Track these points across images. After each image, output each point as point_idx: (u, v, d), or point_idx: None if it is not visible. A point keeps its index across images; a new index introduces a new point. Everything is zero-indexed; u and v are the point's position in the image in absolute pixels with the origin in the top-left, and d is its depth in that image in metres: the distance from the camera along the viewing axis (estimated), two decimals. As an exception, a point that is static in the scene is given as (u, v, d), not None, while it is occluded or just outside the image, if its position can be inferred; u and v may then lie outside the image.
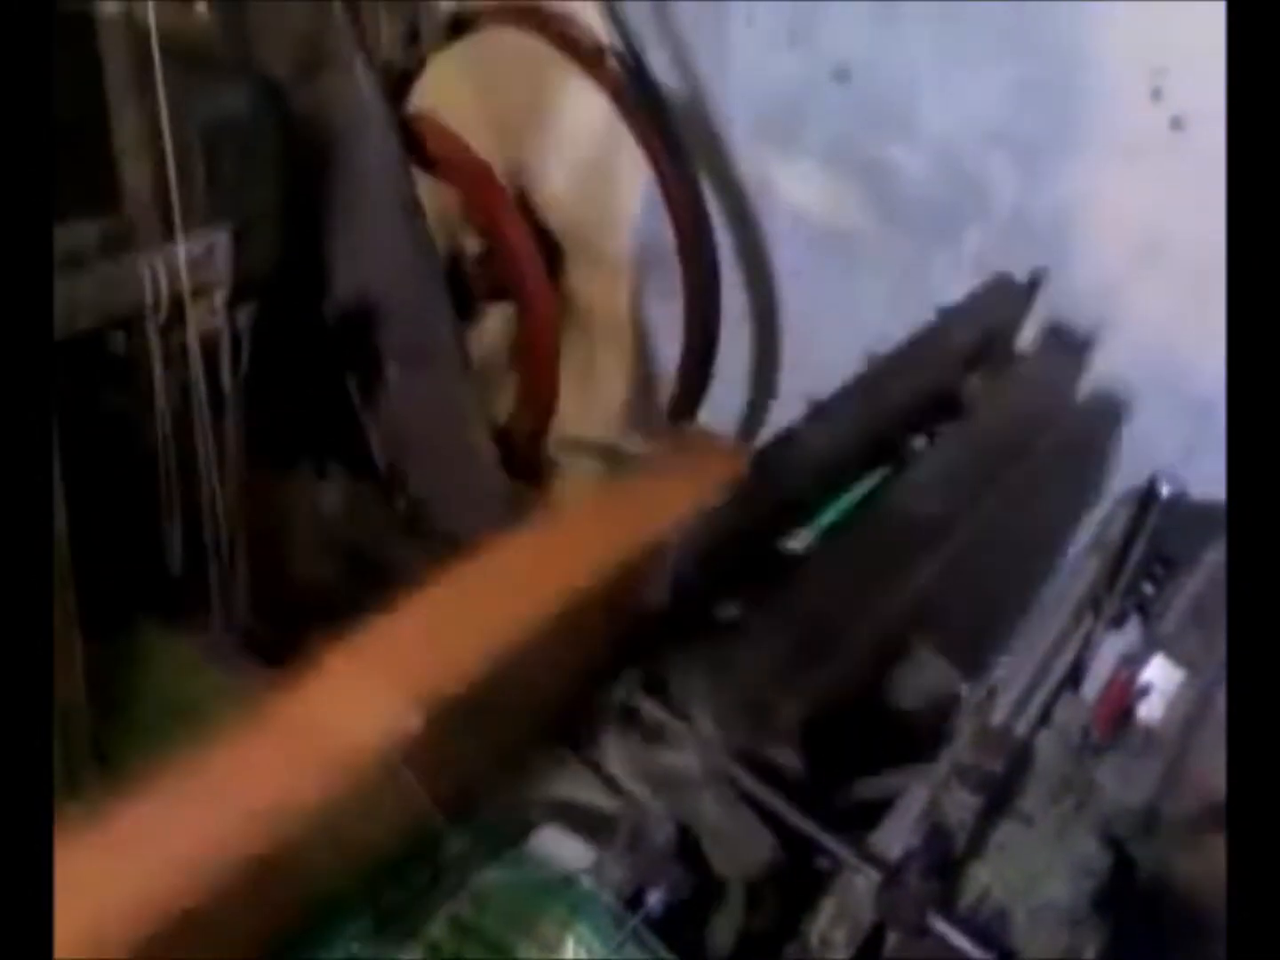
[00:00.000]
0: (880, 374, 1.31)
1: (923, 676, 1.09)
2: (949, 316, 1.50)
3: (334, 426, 1.39)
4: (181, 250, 1.01)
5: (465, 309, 1.48)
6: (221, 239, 1.08)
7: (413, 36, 1.37)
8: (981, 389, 1.44)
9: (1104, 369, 1.78)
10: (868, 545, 1.14)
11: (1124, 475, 1.60)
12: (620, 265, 2.00)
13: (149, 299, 0.97)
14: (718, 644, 0.98)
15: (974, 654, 1.12)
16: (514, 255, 1.41)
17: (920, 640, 1.09)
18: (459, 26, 1.55)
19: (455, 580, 0.80)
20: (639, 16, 2.05)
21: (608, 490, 0.86)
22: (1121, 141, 1.78)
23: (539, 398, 1.54)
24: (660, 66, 2.06)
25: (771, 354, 2.14)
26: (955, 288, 1.93)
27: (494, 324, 1.66)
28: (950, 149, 1.90)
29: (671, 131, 1.59)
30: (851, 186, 1.98)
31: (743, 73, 2.00)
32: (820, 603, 1.05)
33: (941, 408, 1.40)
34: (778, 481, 1.07)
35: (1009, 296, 1.62)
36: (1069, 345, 1.72)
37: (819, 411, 1.20)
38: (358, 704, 0.73)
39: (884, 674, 1.08)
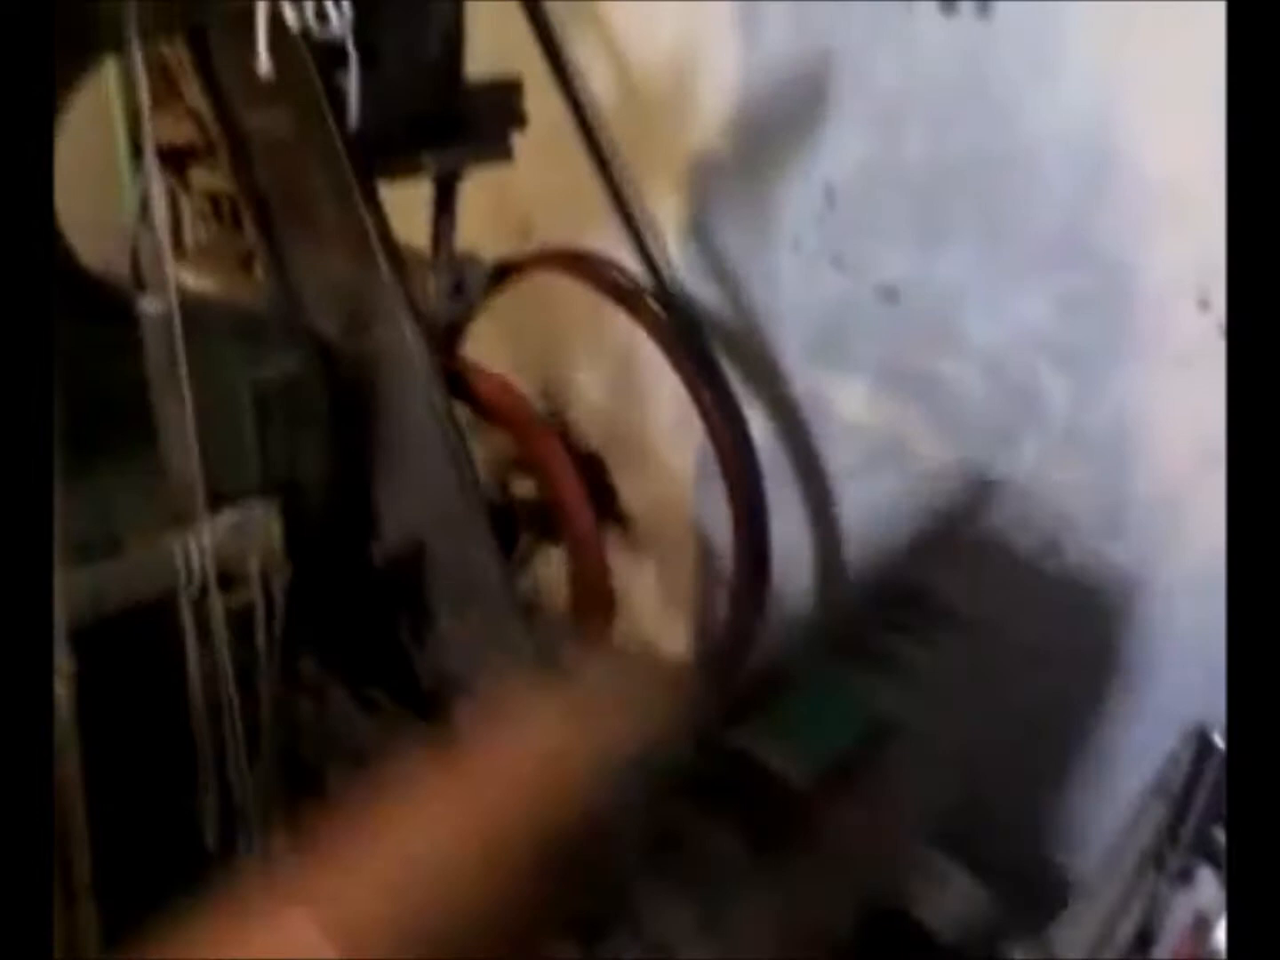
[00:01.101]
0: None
1: (949, 896, 1.05)
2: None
3: (379, 659, 1.40)
4: (221, 524, 1.05)
5: (515, 548, 1.51)
6: (262, 509, 1.12)
7: (458, 289, 1.43)
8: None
9: (1167, 581, 1.74)
10: (879, 773, 1.11)
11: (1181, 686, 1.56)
12: (670, 476, 2.03)
13: (183, 579, 1.01)
14: (720, 892, 0.94)
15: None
16: (563, 504, 1.45)
17: (947, 860, 1.04)
18: (502, 275, 1.63)
19: (385, 809, 0.79)
20: (690, 247, 2.14)
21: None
22: (1173, 350, 1.78)
23: (591, 633, 1.56)
24: (711, 293, 2.14)
25: (831, 559, 2.14)
26: (1011, 499, 1.93)
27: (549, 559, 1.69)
28: (1001, 361, 1.92)
29: (714, 367, 1.63)
30: (904, 401, 2.00)
31: (791, 295, 2.06)
32: (834, 849, 1.02)
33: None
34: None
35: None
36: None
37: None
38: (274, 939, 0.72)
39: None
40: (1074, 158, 1.79)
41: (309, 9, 0.78)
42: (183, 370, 0.92)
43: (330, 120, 1.26)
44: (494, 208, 1.72)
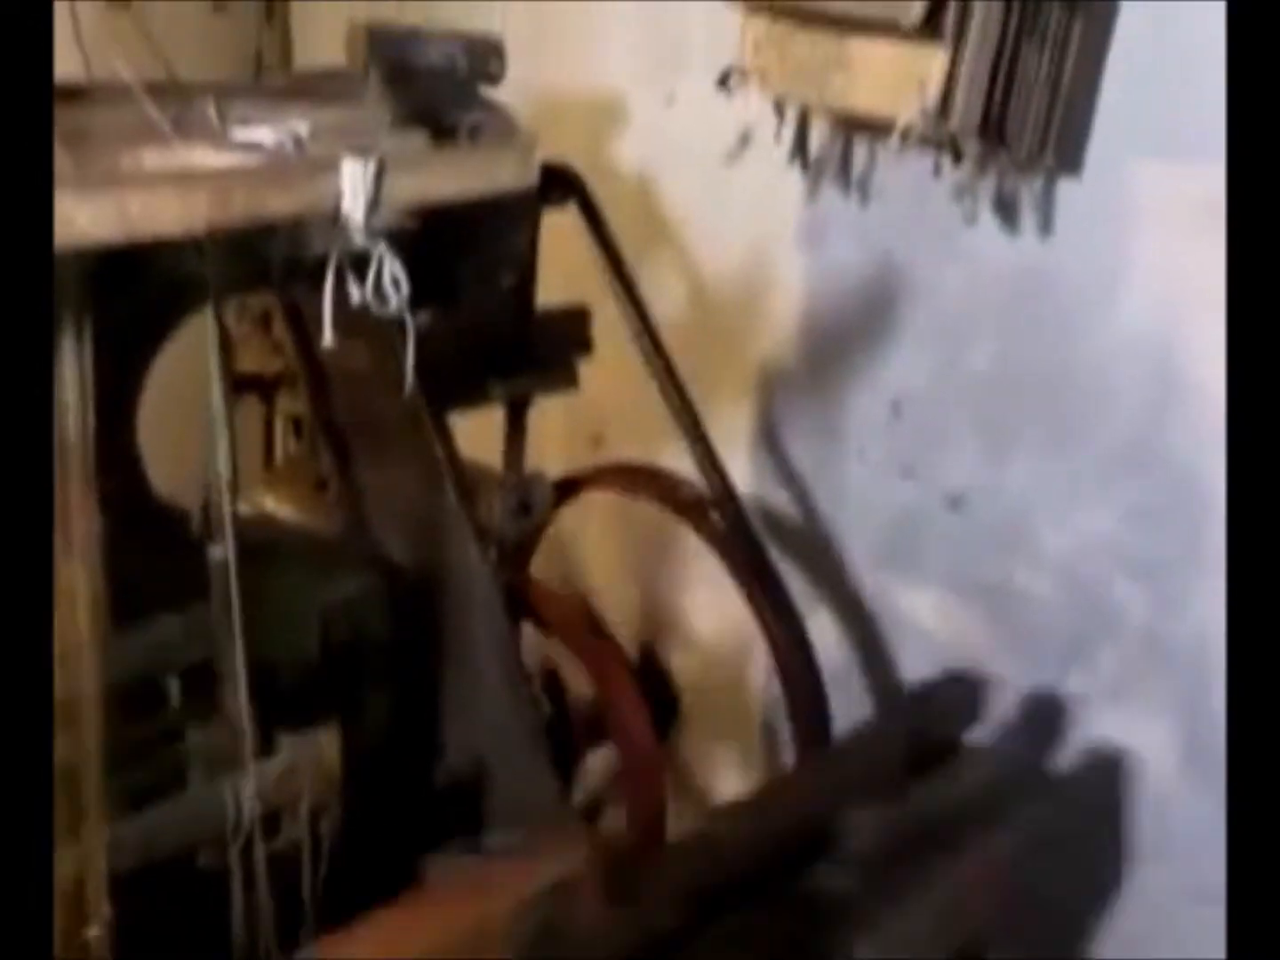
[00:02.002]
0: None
1: None
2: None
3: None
4: (274, 766, 1.07)
5: (571, 755, 1.50)
6: (321, 740, 1.13)
7: (524, 508, 1.47)
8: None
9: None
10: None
11: None
12: (743, 729, 2.02)
13: (231, 825, 1.02)
14: None
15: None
16: (623, 730, 1.45)
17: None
18: (567, 490, 1.67)
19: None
20: (759, 456, 2.17)
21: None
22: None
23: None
24: (781, 501, 2.16)
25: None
26: (1091, 714, 1.88)
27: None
28: (1074, 572, 1.89)
29: (777, 582, 1.64)
30: (975, 611, 1.98)
31: (858, 504, 2.07)
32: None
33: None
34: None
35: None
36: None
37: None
38: None
39: None
40: (1139, 371, 1.80)
41: (367, 290, 0.83)
42: (236, 619, 0.95)
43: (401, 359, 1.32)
44: (566, 417, 1.78)
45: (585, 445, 2.29)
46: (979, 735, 1.81)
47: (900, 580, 2.05)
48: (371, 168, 0.78)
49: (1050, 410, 1.88)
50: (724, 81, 1.68)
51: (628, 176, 2.18)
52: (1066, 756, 1.86)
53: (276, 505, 1.42)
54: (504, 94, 1.51)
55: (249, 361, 1.47)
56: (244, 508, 1.42)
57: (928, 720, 1.64)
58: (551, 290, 1.64)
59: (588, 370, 1.71)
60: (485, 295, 1.48)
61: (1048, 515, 1.90)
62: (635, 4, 2.08)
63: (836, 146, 1.88)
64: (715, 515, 1.62)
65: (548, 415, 1.76)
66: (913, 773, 1.46)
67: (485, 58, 1.53)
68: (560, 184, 1.64)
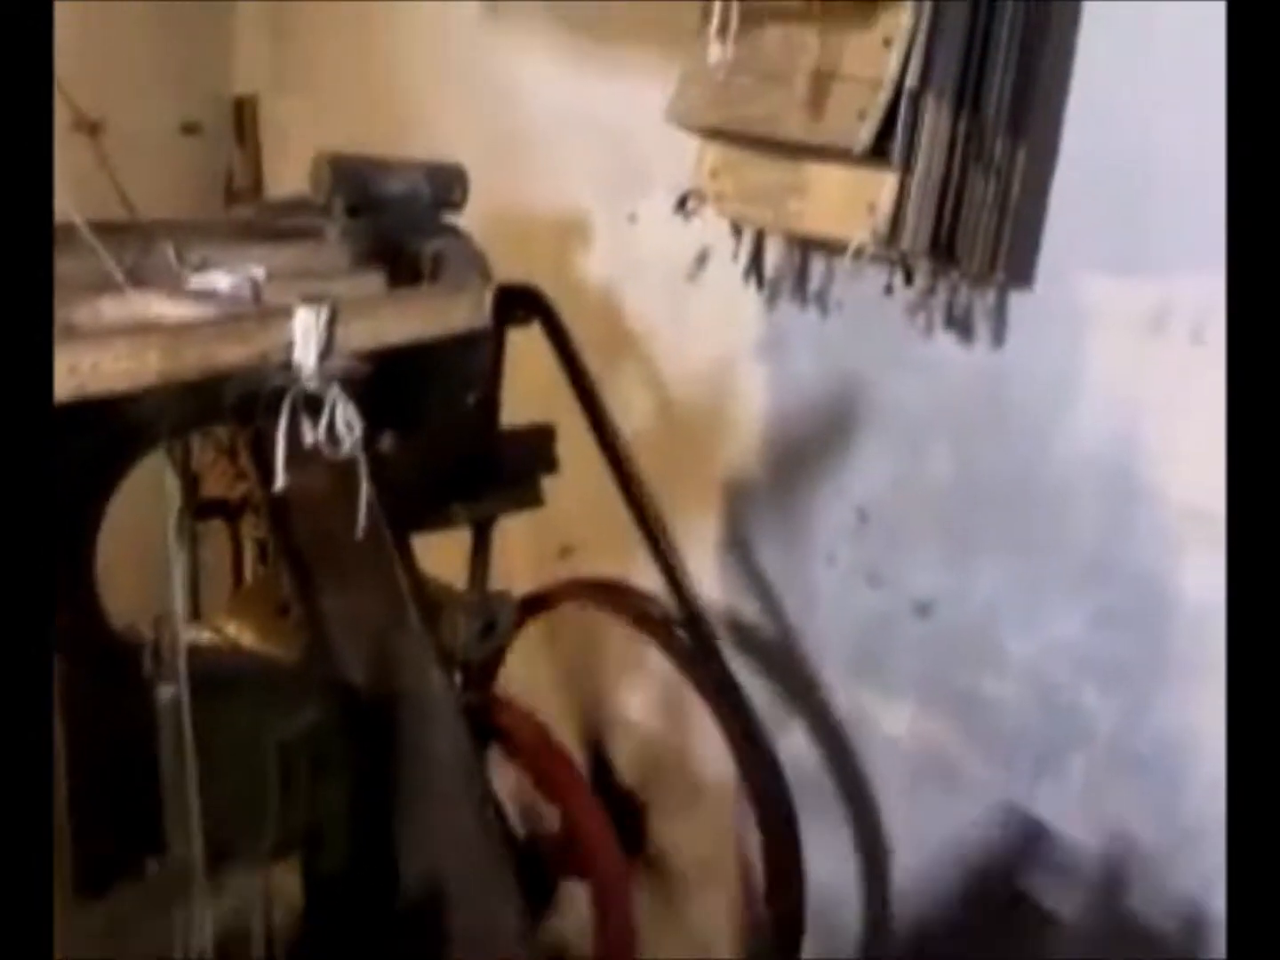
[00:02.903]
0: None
1: None
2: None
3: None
4: (225, 901, 1.06)
5: (543, 887, 1.49)
6: (275, 872, 1.12)
7: (488, 629, 1.47)
8: None
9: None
10: None
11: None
12: (711, 807, 2.00)
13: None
14: None
15: None
16: (588, 841, 1.43)
17: None
18: (532, 607, 1.67)
19: None
20: (728, 565, 2.18)
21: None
22: (1214, 670, 1.75)
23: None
24: (750, 610, 2.16)
25: (876, 883, 2.07)
26: (1063, 820, 1.87)
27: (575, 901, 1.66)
28: (1042, 678, 1.90)
29: (741, 697, 1.64)
30: (946, 718, 1.98)
31: (828, 612, 2.08)
32: None
33: None
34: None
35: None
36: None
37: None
38: None
39: None
40: (1097, 477, 1.82)
41: (320, 431, 0.84)
42: (190, 760, 0.95)
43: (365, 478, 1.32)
44: (535, 529, 1.79)
45: (554, 557, 2.30)
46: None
47: (871, 689, 2.05)
48: (324, 315, 0.80)
49: (1012, 516, 1.90)
50: (682, 204, 1.72)
51: (594, 292, 2.22)
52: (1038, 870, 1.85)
53: (239, 631, 1.42)
54: (475, 212, 1.55)
55: (215, 486, 1.48)
56: (205, 635, 1.42)
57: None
58: (525, 402, 1.65)
59: (556, 482, 1.72)
60: (448, 418, 1.50)
61: (1014, 622, 1.91)
62: (599, 127, 2.14)
63: (794, 263, 1.92)
64: (682, 633, 1.62)
65: (516, 527, 1.76)
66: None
67: (448, 185, 1.57)
68: (524, 303, 1.67)
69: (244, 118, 2.46)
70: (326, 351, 0.81)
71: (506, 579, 1.76)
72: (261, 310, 0.81)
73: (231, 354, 0.78)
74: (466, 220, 1.52)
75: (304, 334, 0.79)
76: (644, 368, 2.21)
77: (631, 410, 2.21)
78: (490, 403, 1.56)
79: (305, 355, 0.80)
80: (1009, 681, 1.93)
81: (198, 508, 1.51)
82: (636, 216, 2.11)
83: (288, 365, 0.80)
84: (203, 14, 2.33)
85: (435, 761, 1.36)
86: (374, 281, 0.96)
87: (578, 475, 1.76)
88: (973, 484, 1.94)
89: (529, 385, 1.65)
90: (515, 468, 1.53)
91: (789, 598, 2.11)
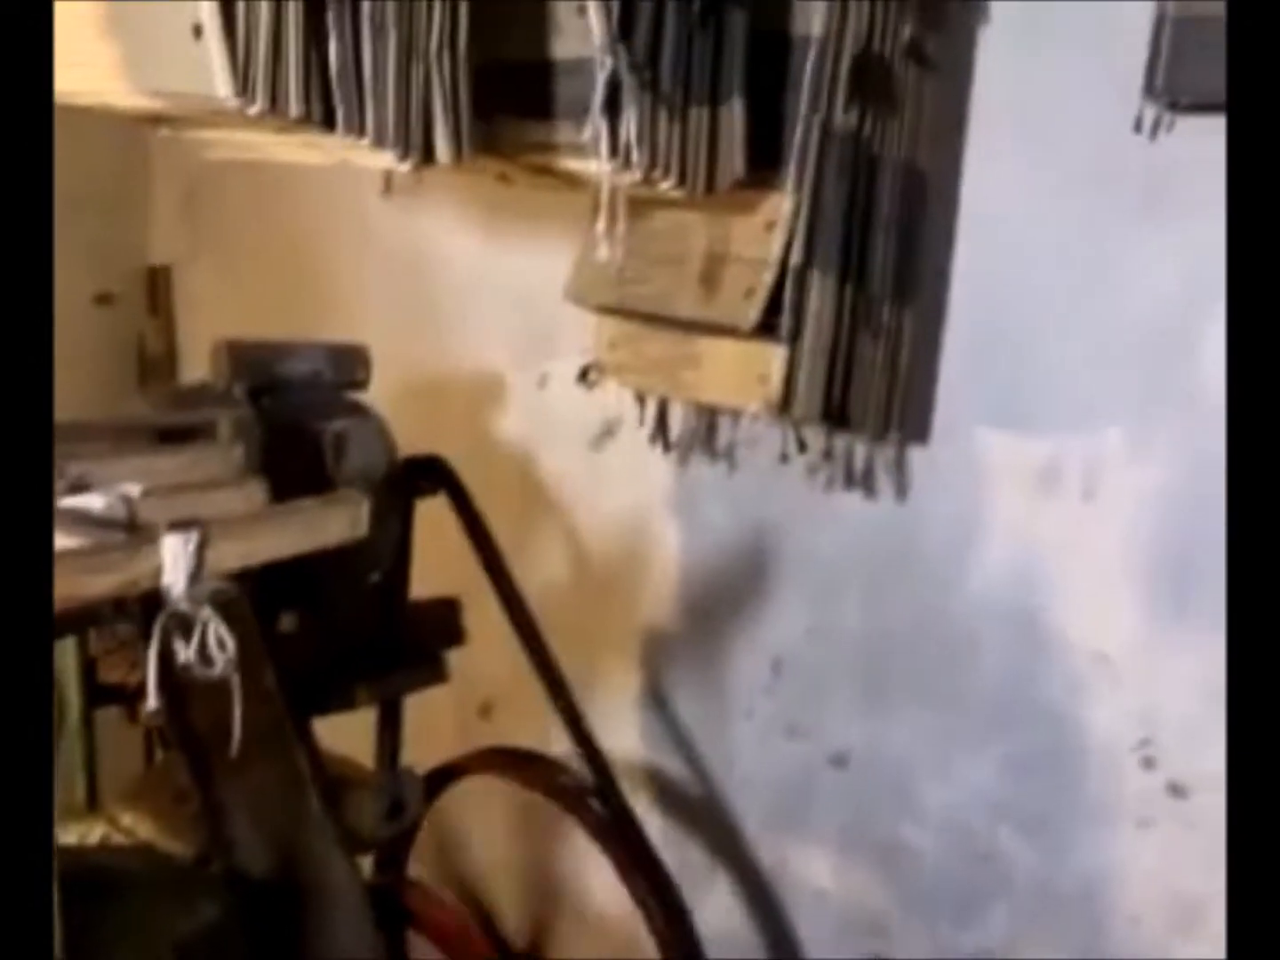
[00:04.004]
0: None
1: None
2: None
3: None
4: None
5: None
6: None
7: (396, 808, 1.45)
8: None
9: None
10: None
11: None
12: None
13: None
14: None
15: None
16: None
17: None
18: (444, 777, 1.66)
19: None
20: (647, 720, 2.18)
21: None
22: (1127, 810, 1.78)
23: None
24: (670, 765, 2.16)
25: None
26: (988, 975, 1.87)
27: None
28: (960, 826, 1.91)
29: (658, 867, 1.63)
30: (868, 871, 1.98)
31: (747, 765, 2.08)
32: None
33: None
34: None
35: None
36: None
37: None
38: None
39: None
40: (1002, 624, 1.86)
41: (192, 649, 0.85)
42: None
43: (266, 662, 1.32)
44: (454, 686, 1.77)
45: (474, 715, 2.29)
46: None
47: (793, 842, 2.05)
48: (193, 541, 0.82)
49: (923, 664, 1.93)
50: (584, 376, 1.76)
51: (508, 453, 2.25)
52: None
53: (136, 822, 1.39)
54: (389, 379, 1.58)
55: (111, 672, 1.47)
56: (99, 828, 1.40)
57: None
58: (447, 559, 1.66)
59: (476, 637, 1.72)
60: (352, 595, 1.50)
61: (929, 770, 1.93)
62: (508, 293, 2.20)
63: (701, 422, 1.97)
64: (596, 803, 1.61)
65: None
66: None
67: (351, 365, 1.61)
68: (430, 475, 1.69)
69: (157, 287, 2.50)
70: (196, 575, 0.82)
71: (426, 739, 1.75)
72: (130, 539, 0.82)
73: (100, 584, 0.79)
74: (381, 387, 1.55)
75: (173, 560, 0.81)
76: (559, 524, 2.24)
77: (548, 566, 2.24)
78: (397, 577, 1.57)
79: (175, 580, 0.82)
80: (928, 830, 1.94)
81: (95, 693, 1.49)
82: (547, 379, 2.16)
83: (157, 591, 0.82)
84: (116, 187, 2.37)
85: (341, 950, 1.33)
86: (255, 494, 0.98)
87: (497, 633, 1.77)
88: (884, 633, 1.97)
89: (453, 541, 1.66)
90: (421, 642, 1.53)
91: (709, 751, 2.12)
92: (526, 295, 2.10)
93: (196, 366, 1.42)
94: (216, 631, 0.85)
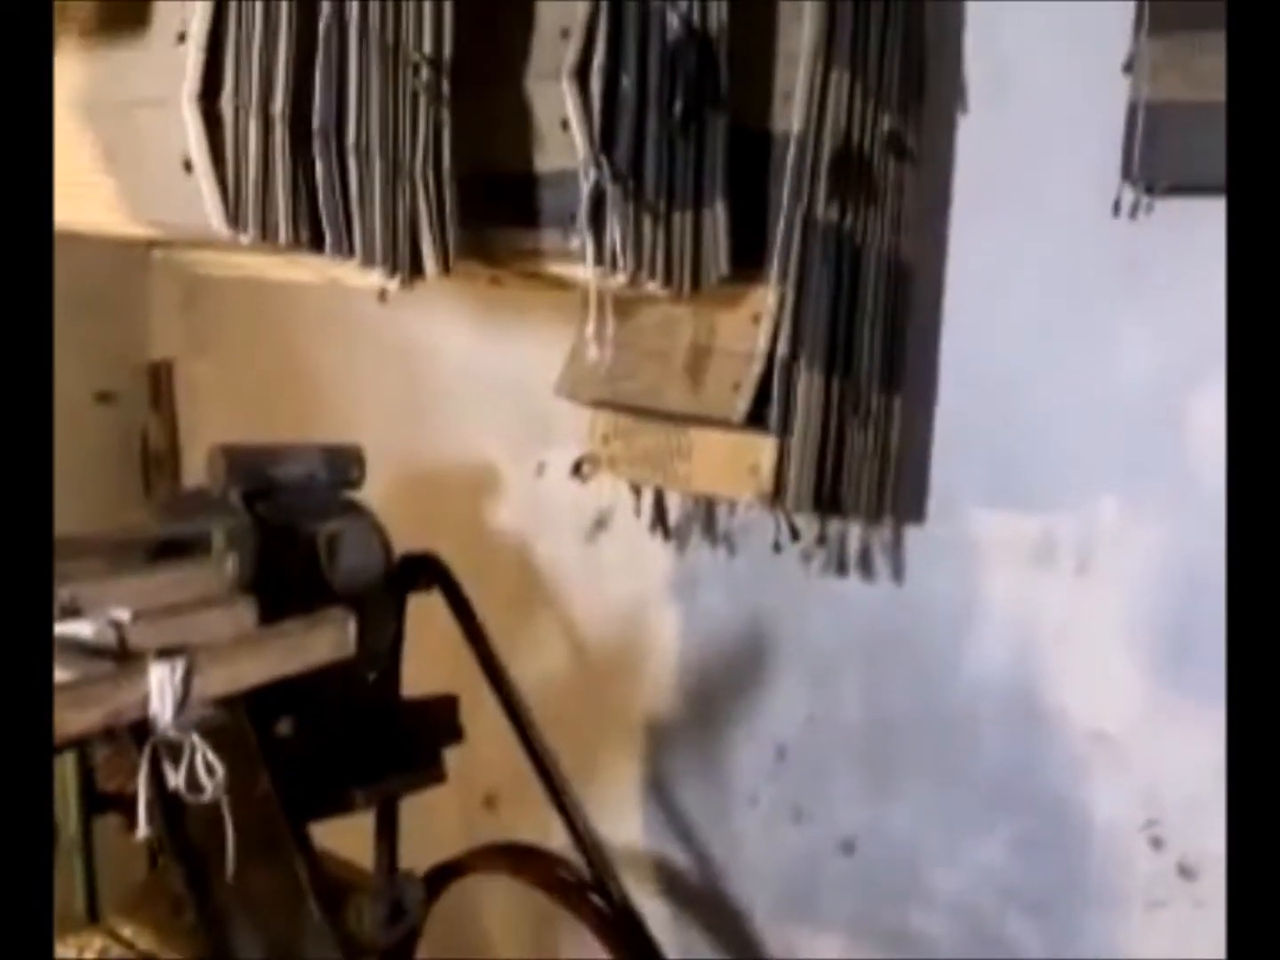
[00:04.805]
0: None
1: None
2: None
3: None
4: None
5: None
6: None
7: (397, 912, 1.44)
8: None
9: None
10: None
11: None
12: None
13: None
14: None
15: None
16: None
17: None
18: (445, 875, 1.65)
19: None
20: (650, 808, 2.17)
21: None
22: (1137, 892, 1.77)
23: None
24: (675, 854, 2.14)
25: None
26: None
27: None
28: (968, 909, 1.89)
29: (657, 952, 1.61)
30: (877, 955, 1.96)
31: (753, 852, 2.06)
32: None
33: None
34: None
35: None
36: None
37: None
38: None
39: None
40: (1002, 704, 1.86)
41: (181, 775, 0.86)
42: None
43: (261, 769, 1.32)
44: (457, 778, 1.77)
45: (478, 807, 2.28)
46: None
47: (801, 930, 2.03)
48: (180, 669, 0.82)
49: (925, 746, 1.92)
50: (578, 469, 1.78)
51: (506, 542, 2.26)
52: None
53: (136, 934, 1.38)
54: (386, 472, 1.59)
55: (110, 780, 1.46)
56: (99, 940, 1.39)
57: None
58: (443, 652, 1.66)
59: (478, 729, 1.72)
60: (348, 696, 1.50)
61: (936, 853, 1.92)
62: (504, 383, 2.22)
63: (700, 509, 1.98)
64: (597, 898, 1.60)
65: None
66: None
67: (345, 466, 1.62)
68: (425, 571, 1.69)
69: (159, 382, 2.52)
70: (183, 703, 0.83)
71: (429, 832, 1.74)
72: (117, 671, 0.83)
73: (86, 719, 0.79)
74: (378, 479, 1.57)
75: (160, 689, 0.81)
76: (558, 613, 2.24)
77: (547, 655, 2.24)
78: (391, 676, 1.57)
79: (162, 709, 0.82)
80: (937, 915, 1.92)
81: (93, 801, 1.49)
82: (544, 467, 2.17)
83: (144, 720, 0.83)
84: (116, 285, 2.41)
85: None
86: (244, 614, 0.99)
87: (499, 721, 1.76)
88: (885, 716, 1.96)
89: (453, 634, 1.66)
90: (417, 744, 1.52)
91: (713, 839, 2.10)
92: (521, 386, 2.12)
93: (199, 459, 1.44)
94: (205, 757, 0.86)
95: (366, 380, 2.39)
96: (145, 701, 0.81)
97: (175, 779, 0.85)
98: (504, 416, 2.22)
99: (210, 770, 0.86)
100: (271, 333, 2.43)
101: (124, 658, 0.86)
